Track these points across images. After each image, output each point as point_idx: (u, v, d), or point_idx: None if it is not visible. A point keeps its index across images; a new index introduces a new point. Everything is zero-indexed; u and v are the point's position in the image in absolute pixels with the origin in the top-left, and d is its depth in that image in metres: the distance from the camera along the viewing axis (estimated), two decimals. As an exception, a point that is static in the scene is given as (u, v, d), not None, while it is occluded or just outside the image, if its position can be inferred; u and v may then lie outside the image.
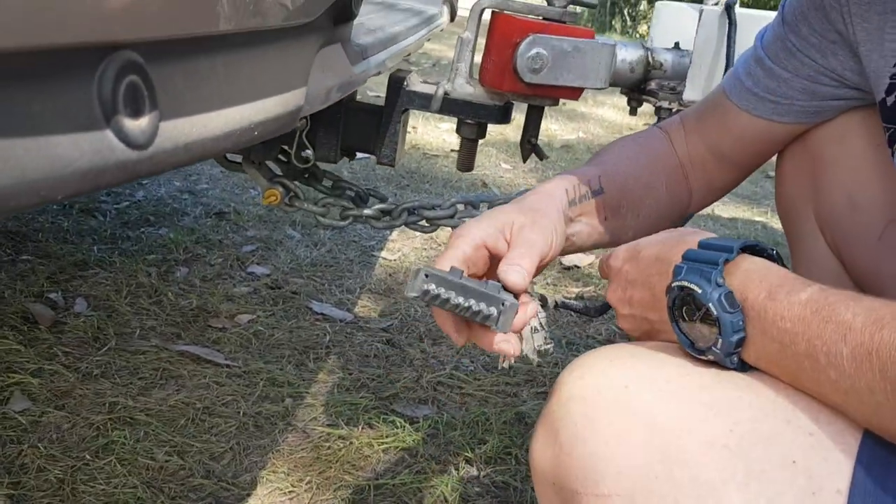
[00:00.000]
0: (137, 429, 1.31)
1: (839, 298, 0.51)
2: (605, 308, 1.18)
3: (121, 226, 2.08)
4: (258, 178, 1.24)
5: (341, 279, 1.98)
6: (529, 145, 1.31)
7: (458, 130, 1.28)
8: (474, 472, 1.34)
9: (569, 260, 2.26)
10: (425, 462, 1.34)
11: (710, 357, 0.57)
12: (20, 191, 0.32)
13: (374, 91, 3.41)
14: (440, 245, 2.31)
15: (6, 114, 0.32)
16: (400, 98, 1.22)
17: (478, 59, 1.23)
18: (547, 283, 2.14)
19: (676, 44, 1.26)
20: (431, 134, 3.57)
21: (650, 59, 1.24)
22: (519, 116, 1.39)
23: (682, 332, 0.59)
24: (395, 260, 2.16)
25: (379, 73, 0.97)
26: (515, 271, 0.67)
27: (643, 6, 10.34)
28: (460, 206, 1.26)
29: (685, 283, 0.56)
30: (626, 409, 0.60)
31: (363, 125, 1.26)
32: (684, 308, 0.58)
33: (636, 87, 1.26)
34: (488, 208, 1.12)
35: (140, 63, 0.38)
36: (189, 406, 1.39)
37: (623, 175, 0.88)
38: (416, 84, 1.24)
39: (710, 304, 0.55)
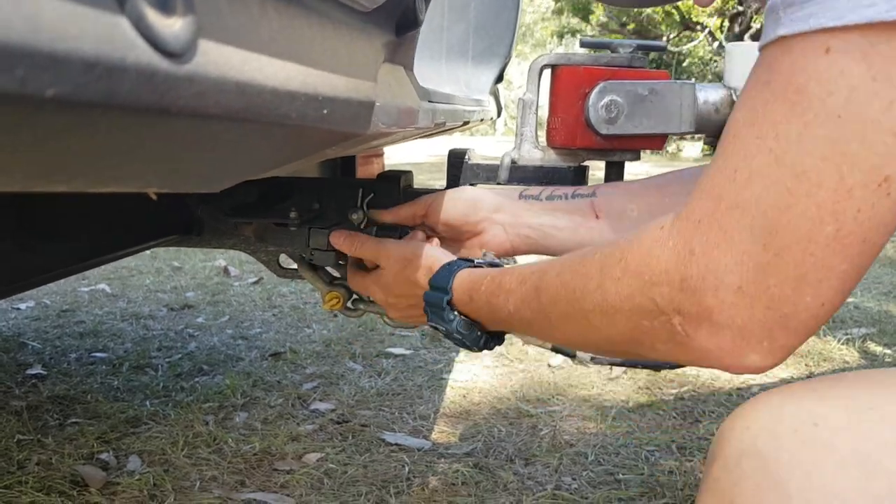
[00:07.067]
0: (203, 592, 1.12)
1: (511, 272, 0.68)
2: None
3: (173, 378, 1.96)
4: (316, 281, 1.11)
5: (412, 406, 1.80)
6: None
7: (530, 203, 1.15)
8: None
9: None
10: None
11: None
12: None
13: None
14: (512, 361, 2.13)
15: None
16: (463, 173, 1.10)
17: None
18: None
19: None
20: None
21: (734, 98, 1.12)
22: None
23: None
24: (467, 381, 1.98)
25: (443, 124, 0.86)
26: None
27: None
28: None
29: (434, 324, 0.74)
30: (827, 452, 0.44)
31: (426, 210, 1.14)
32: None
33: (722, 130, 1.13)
34: None
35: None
36: (260, 560, 1.19)
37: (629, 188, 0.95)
38: (476, 157, 1.13)
39: (454, 336, 0.72)
